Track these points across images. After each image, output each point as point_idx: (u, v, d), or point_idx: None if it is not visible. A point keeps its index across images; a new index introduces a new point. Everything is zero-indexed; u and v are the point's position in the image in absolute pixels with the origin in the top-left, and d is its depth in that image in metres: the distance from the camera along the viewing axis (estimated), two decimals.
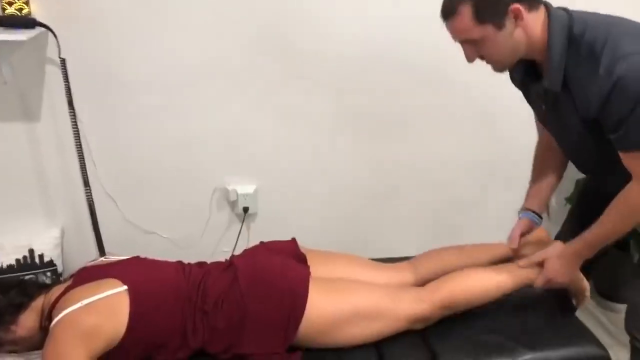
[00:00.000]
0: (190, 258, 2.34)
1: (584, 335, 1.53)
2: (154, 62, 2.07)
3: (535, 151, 1.73)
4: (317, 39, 2.17)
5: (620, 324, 2.38)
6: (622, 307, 2.48)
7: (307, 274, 1.48)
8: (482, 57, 1.36)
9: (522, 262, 1.57)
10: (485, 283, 1.53)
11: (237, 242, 2.38)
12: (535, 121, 1.69)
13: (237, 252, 2.36)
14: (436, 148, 2.44)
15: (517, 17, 1.27)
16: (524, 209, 1.69)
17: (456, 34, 1.33)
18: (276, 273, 1.47)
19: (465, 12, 1.27)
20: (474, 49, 1.33)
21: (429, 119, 2.38)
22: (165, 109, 2.15)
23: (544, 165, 1.68)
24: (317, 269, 1.53)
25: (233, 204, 2.36)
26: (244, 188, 2.33)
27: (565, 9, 1.32)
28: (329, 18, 2.14)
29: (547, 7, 1.32)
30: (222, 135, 2.24)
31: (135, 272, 1.43)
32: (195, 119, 2.19)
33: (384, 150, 2.40)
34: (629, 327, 1.56)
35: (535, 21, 1.30)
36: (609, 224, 1.40)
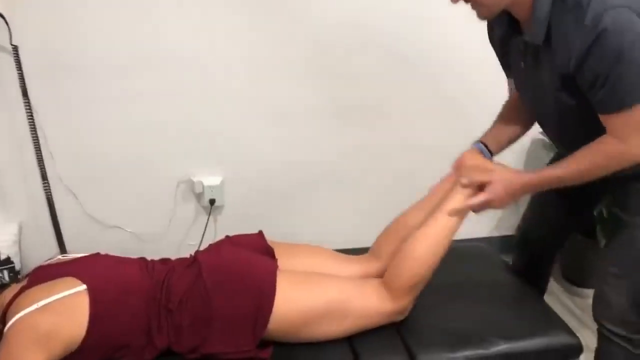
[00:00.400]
0: (155, 253, 2.28)
1: (556, 323, 1.52)
2: (113, 48, 1.99)
3: (502, 106, 1.71)
4: (291, 25, 2.11)
5: (587, 309, 2.41)
6: (589, 292, 2.50)
7: (274, 267, 1.43)
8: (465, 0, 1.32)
9: (464, 180, 1.51)
10: (434, 239, 1.48)
11: (203, 235, 2.33)
12: (507, 82, 1.67)
13: (204, 245, 2.33)
14: (408, 137, 2.41)
15: None
16: (478, 141, 1.67)
17: None
18: (242, 267, 1.42)
19: None
20: None
21: (402, 109, 2.35)
22: (125, 97, 2.07)
23: (508, 120, 1.66)
24: (285, 262, 1.48)
25: (199, 196, 2.30)
26: (210, 180, 2.27)
27: None
28: (303, 3, 2.09)
29: None
30: (187, 125, 2.17)
31: (94, 270, 1.36)
32: (158, 108, 2.12)
33: (355, 140, 2.37)
34: (596, 315, 1.55)
35: None
36: (574, 168, 1.37)
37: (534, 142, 2.60)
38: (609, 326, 1.50)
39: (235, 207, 2.36)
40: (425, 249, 1.47)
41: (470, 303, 1.57)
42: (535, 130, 2.49)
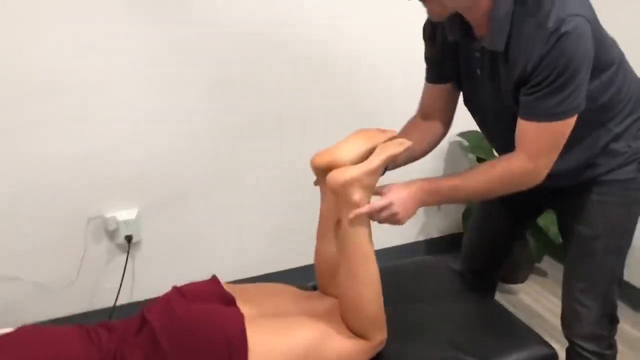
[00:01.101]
0: (66, 303, 2.02)
1: (530, 335, 1.49)
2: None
3: (407, 122, 1.59)
4: (193, 39, 1.95)
5: (518, 305, 2.47)
6: (516, 288, 2.57)
7: (240, 317, 1.26)
8: None
9: (356, 197, 1.30)
10: (361, 273, 1.33)
11: (123, 276, 2.07)
12: (424, 92, 1.56)
13: (125, 289, 2.09)
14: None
15: None
16: None
17: None
18: (203, 323, 1.23)
19: None
20: None
21: (316, 119, 2.25)
22: (17, 124, 1.80)
23: (412, 135, 1.49)
24: (248, 309, 1.31)
25: (113, 234, 2.05)
26: (124, 214, 2.04)
27: None
28: (212, 11, 1.93)
29: None
30: (92, 153, 1.93)
31: (27, 350, 1.11)
32: (55, 138, 1.87)
33: (280, 157, 2.24)
34: (567, 333, 1.53)
35: None
36: (478, 185, 1.31)
37: (452, 144, 2.62)
38: (581, 343, 1.48)
39: (155, 242, 2.13)
40: (360, 291, 1.33)
41: (440, 325, 1.49)
42: (452, 132, 2.52)
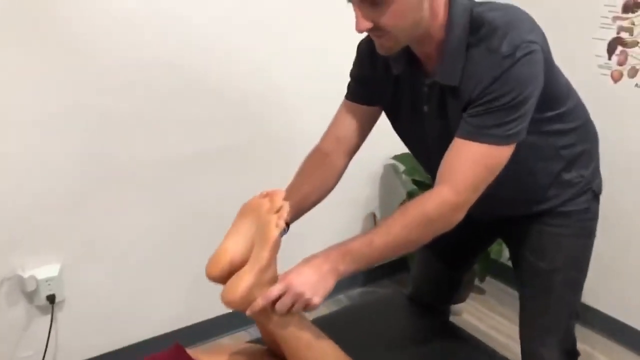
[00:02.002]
0: None
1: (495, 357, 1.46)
2: None
3: (305, 159, 1.40)
4: (115, 71, 1.79)
5: (464, 324, 2.44)
6: (458, 308, 2.56)
7: None
8: (374, 28, 1.11)
9: (261, 302, 1.09)
10: (318, 354, 1.18)
11: (48, 342, 1.82)
12: (340, 112, 1.39)
13: (48, 353, 1.84)
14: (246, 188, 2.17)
15: None
16: None
17: None
18: None
19: None
20: (371, 12, 1.08)
21: (239, 156, 2.14)
22: None
23: (311, 179, 1.36)
24: None
25: (32, 295, 1.80)
26: (44, 270, 1.80)
27: None
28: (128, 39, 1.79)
29: None
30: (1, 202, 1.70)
31: None
32: None
33: (201, 197, 2.08)
34: None
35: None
36: (392, 233, 1.14)
37: (387, 168, 2.58)
38: None
39: (82, 300, 1.90)
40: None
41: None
42: (386, 155, 2.49)
